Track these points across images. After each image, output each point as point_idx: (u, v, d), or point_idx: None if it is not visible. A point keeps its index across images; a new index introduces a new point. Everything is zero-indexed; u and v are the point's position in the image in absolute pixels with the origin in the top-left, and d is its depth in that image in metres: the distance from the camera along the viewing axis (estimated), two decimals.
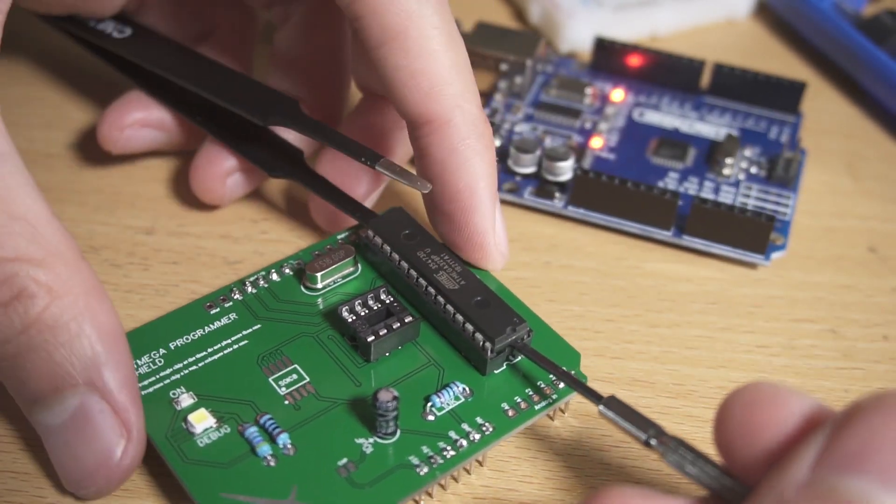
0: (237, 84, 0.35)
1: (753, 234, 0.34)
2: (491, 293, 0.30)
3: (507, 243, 0.32)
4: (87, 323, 0.26)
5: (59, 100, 0.41)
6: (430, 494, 0.28)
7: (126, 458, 0.26)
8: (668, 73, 0.41)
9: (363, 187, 0.34)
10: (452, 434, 0.28)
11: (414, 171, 0.32)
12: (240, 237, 0.36)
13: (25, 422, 0.29)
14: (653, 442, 0.25)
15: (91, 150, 0.38)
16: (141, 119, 0.36)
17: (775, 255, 0.35)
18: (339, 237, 0.33)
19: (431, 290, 0.30)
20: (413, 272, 0.31)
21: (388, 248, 0.31)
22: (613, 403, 0.26)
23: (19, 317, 0.25)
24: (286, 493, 0.26)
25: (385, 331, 0.29)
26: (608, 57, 0.42)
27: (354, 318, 0.29)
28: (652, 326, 0.33)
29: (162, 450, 0.27)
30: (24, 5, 0.34)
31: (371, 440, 0.27)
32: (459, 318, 0.29)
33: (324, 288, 0.31)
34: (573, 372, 0.30)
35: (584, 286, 0.34)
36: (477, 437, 0.28)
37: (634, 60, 0.42)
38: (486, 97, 0.41)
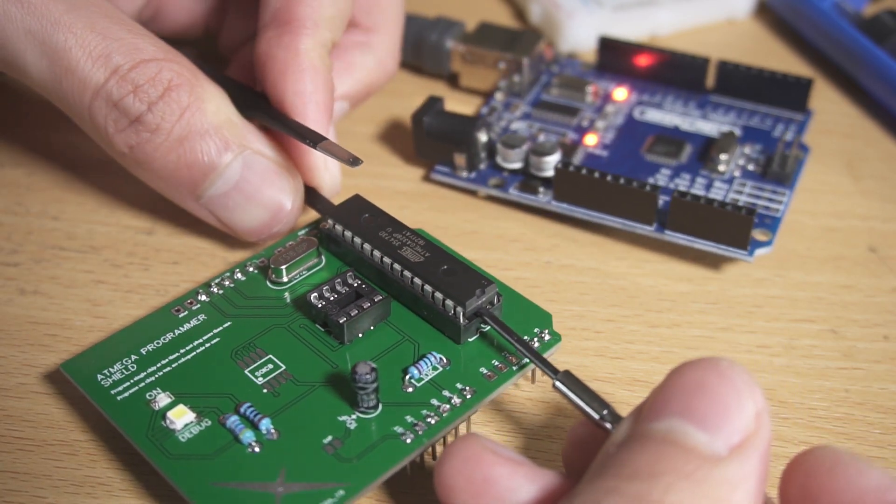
0: None
1: (734, 228, 0.33)
2: (456, 261, 0.30)
3: (339, 173, 0.35)
4: (215, 99, 0.31)
5: None
6: (420, 464, 0.28)
7: (297, 197, 0.33)
8: (673, 72, 0.41)
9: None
10: (434, 401, 0.28)
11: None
12: None
13: (25, 423, 0.29)
14: (608, 425, 0.25)
15: (91, 149, 0.38)
16: None
17: (760, 252, 0.34)
18: (299, 233, 0.34)
19: (397, 266, 0.30)
20: (377, 252, 0.31)
21: (349, 234, 0.31)
22: (568, 379, 0.26)
23: (177, 104, 0.31)
24: (274, 475, 0.26)
25: (356, 311, 0.29)
26: (613, 56, 0.42)
27: (324, 302, 0.30)
28: (652, 326, 0.33)
29: (144, 449, 0.27)
30: None
31: (354, 416, 0.28)
32: (428, 288, 0.30)
33: (290, 281, 0.32)
34: (546, 331, 0.30)
35: (584, 286, 0.34)
36: (459, 401, 0.28)
37: (640, 60, 0.41)
38: (487, 96, 0.41)
